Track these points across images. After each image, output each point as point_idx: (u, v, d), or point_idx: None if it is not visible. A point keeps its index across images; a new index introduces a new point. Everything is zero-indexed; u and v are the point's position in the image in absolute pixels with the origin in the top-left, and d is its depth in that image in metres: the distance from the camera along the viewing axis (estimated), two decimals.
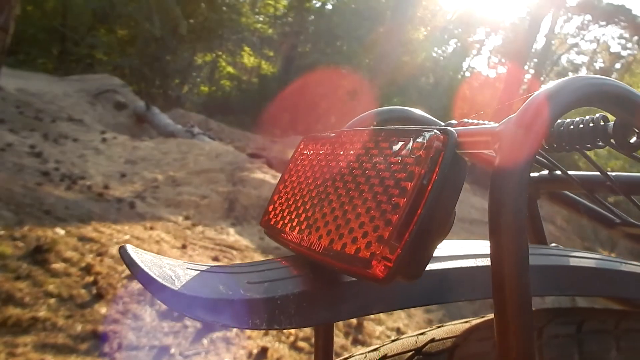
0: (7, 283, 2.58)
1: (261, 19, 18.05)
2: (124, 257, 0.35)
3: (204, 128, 9.34)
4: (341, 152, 0.43)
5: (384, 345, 0.48)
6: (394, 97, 19.02)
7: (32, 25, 12.59)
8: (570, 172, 0.60)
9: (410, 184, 0.34)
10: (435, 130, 0.34)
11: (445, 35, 22.14)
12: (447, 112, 19.94)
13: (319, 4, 18.19)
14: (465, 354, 0.46)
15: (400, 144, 0.36)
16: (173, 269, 0.37)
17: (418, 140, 0.35)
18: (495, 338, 0.37)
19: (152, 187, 5.38)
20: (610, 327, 0.50)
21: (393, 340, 0.49)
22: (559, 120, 0.42)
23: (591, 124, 0.41)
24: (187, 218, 4.79)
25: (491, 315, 0.50)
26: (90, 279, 2.91)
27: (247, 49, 16.33)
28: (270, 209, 0.49)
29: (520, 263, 0.34)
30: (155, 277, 0.35)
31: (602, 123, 0.41)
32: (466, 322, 0.50)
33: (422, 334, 0.48)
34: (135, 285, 3.02)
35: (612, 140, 0.40)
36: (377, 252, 0.33)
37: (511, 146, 0.33)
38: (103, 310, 2.64)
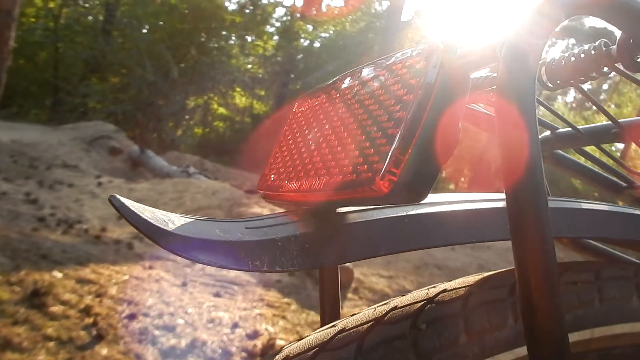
0: (5, 328, 2.52)
1: (251, 59, 18.32)
2: (114, 202, 0.34)
3: (199, 168, 9.35)
4: (337, 95, 0.42)
5: (393, 299, 0.46)
6: None
7: (24, 78, 12.73)
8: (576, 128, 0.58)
9: (411, 96, 0.32)
10: (433, 41, 0.33)
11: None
12: None
13: (306, 42, 18.52)
14: (480, 301, 0.44)
15: (398, 65, 0.35)
16: (166, 215, 0.35)
17: (416, 53, 0.33)
18: (517, 281, 0.35)
19: None
20: (630, 274, 0.48)
21: (403, 295, 0.46)
22: (559, 54, 0.41)
23: (593, 51, 0.40)
24: None
25: (503, 269, 0.48)
26: (89, 320, 2.85)
27: (238, 89, 16.51)
28: (266, 172, 0.47)
29: (538, 193, 0.33)
30: (148, 219, 0.33)
31: (604, 48, 0.39)
32: (477, 275, 0.48)
33: (433, 287, 0.46)
34: (136, 325, 2.97)
35: (617, 65, 0.38)
36: (381, 168, 0.31)
37: (515, 53, 0.32)
38: (104, 351, 2.57)
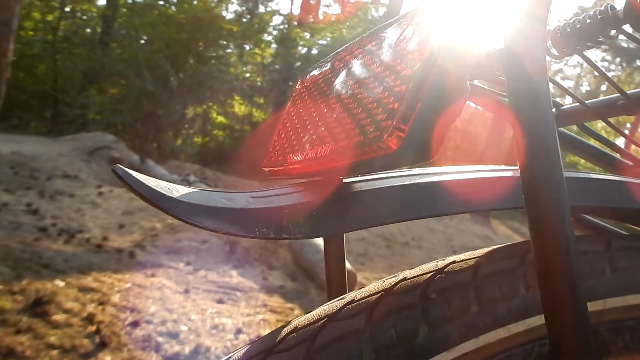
0: (7, 337, 2.52)
1: (249, 68, 18.36)
2: (118, 172, 0.33)
3: (199, 177, 9.35)
4: (340, 65, 0.41)
5: (402, 272, 0.45)
6: None
7: (23, 91, 12.76)
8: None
9: (416, 53, 0.32)
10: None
11: None
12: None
13: (304, 50, 18.56)
14: (490, 271, 0.43)
15: (404, 25, 0.34)
16: (170, 185, 0.35)
17: (418, 14, 0.33)
18: (533, 251, 0.34)
19: (151, 236, 5.33)
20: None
21: (411, 268, 0.46)
22: (565, 20, 0.41)
23: (599, 16, 0.39)
24: (188, 263, 4.73)
25: (511, 243, 0.48)
26: (92, 328, 2.84)
27: (237, 98, 16.54)
28: (270, 150, 0.47)
29: (553, 161, 0.32)
30: (152, 187, 0.33)
31: (610, 11, 0.39)
32: (486, 248, 0.48)
33: (442, 260, 0.46)
34: (140, 332, 2.96)
35: (624, 27, 0.38)
36: (389, 124, 0.31)
37: (520, 24, 0.32)
38: (107, 359, 2.57)
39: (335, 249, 0.57)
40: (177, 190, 0.34)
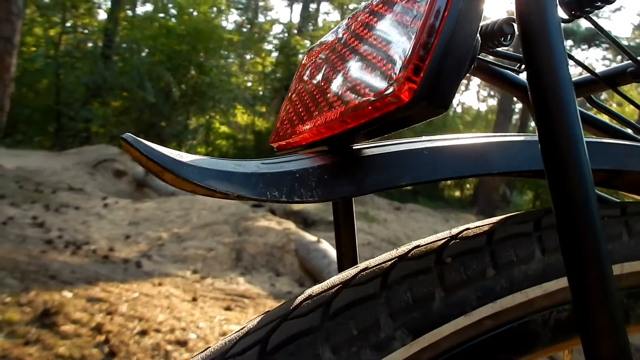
0: (17, 349, 2.51)
1: (251, 77, 18.45)
2: (127, 139, 0.33)
3: None
4: (345, 32, 0.41)
5: (415, 241, 0.45)
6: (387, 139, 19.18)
7: (27, 106, 12.83)
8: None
9: (425, 6, 0.31)
10: None
11: None
12: None
13: None
14: (505, 235, 0.43)
15: None
16: (179, 153, 0.34)
17: None
18: (555, 214, 0.34)
19: (158, 246, 5.34)
20: None
21: (423, 238, 0.45)
22: None
23: None
24: (195, 272, 4.73)
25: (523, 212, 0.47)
26: (101, 338, 2.83)
27: (239, 107, 16.60)
28: (278, 125, 0.47)
29: (573, 124, 0.32)
30: (161, 151, 0.32)
31: None
32: (499, 217, 0.47)
33: (455, 228, 0.45)
34: (148, 341, 2.95)
35: None
36: (400, 76, 0.31)
37: None
38: None
39: (344, 216, 0.56)
40: (187, 157, 0.33)
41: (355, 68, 0.38)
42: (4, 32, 6.09)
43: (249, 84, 18.82)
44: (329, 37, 0.45)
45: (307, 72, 0.46)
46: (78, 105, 13.15)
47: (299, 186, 0.35)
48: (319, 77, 0.42)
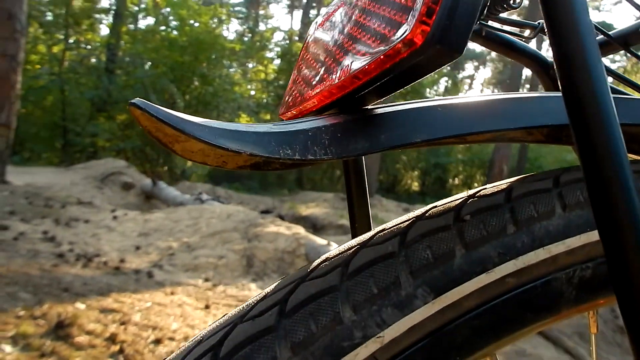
0: None
1: (254, 85, 18.50)
2: (137, 103, 0.32)
3: (211, 195, 9.37)
4: None
5: (431, 204, 0.44)
6: None
7: (34, 123, 12.92)
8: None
9: None
10: None
11: (435, 75, 22.58)
12: (448, 149, 20.08)
13: None
14: (524, 192, 0.42)
15: None
16: (190, 116, 0.34)
17: None
18: (584, 173, 0.33)
19: (168, 255, 5.34)
20: None
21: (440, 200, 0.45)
22: None
23: None
24: (206, 280, 4.73)
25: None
26: (116, 348, 2.83)
27: (243, 115, 16.64)
28: (286, 98, 0.46)
29: (598, 78, 0.32)
30: (173, 113, 0.32)
31: None
32: (515, 177, 0.46)
33: (471, 190, 0.44)
34: (163, 349, 2.95)
35: None
36: (412, 20, 0.30)
37: None
38: None
39: (355, 176, 0.56)
40: (197, 119, 0.33)
41: (365, 24, 0.37)
42: (9, 50, 6.14)
43: (253, 92, 18.88)
44: (335, 3, 0.45)
45: (315, 40, 0.45)
46: (84, 121, 13.24)
47: (312, 144, 0.34)
48: (328, 42, 0.42)
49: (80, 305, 3.35)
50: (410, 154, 19.48)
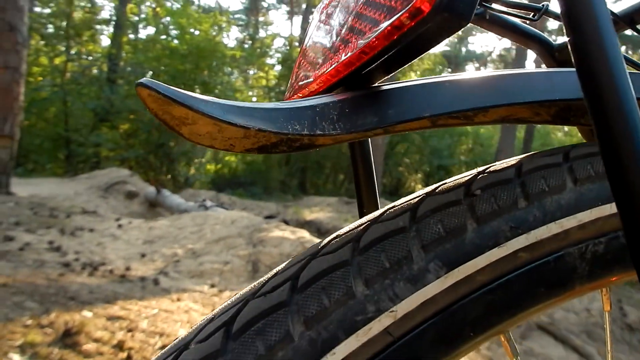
0: None
1: (255, 92, 18.54)
2: (145, 83, 0.32)
3: (215, 202, 9.38)
4: None
5: (440, 182, 0.44)
6: (397, 145, 19.19)
7: (37, 135, 12.97)
8: None
9: None
10: None
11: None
12: (452, 150, 20.07)
13: None
14: (534, 166, 0.42)
15: None
16: (197, 94, 0.34)
17: None
18: (599, 143, 0.33)
19: (174, 262, 5.34)
20: None
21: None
22: None
23: None
24: (212, 286, 4.73)
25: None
26: (123, 355, 2.83)
27: None
28: (292, 81, 0.46)
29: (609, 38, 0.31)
30: (180, 91, 0.32)
31: None
32: (525, 154, 0.46)
33: (480, 167, 0.44)
34: None
35: None
36: None
37: None
38: None
39: (363, 163, 0.56)
40: (205, 97, 0.33)
41: (371, 2, 0.37)
42: (11, 62, 6.17)
43: (254, 99, 18.91)
44: None
45: (319, 23, 0.45)
46: (87, 131, 13.28)
47: (320, 120, 0.34)
48: (333, 23, 0.42)
49: (87, 313, 3.34)
50: (413, 157, 19.48)
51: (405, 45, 0.35)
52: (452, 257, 0.38)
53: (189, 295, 4.31)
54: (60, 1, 15.64)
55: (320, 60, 0.42)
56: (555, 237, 0.39)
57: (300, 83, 0.44)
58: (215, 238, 6.01)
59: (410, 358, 0.35)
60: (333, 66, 0.39)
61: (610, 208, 0.40)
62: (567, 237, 0.40)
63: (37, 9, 15.69)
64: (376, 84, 0.40)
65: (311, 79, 0.42)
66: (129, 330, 3.18)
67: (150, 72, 14.72)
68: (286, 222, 6.88)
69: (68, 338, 2.93)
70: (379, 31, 0.34)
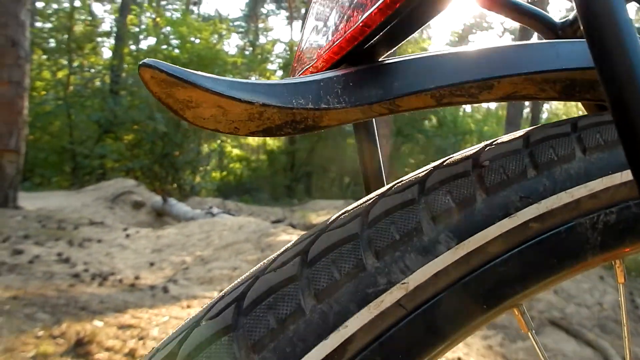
0: None
1: None
2: (148, 62, 0.32)
3: (222, 209, 9.40)
4: None
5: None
6: (402, 146, 19.18)
7: (42, 149, 13.05)
8: None
9: None
10: None
11: None
12: (456, 149, 20.02)
13: None
14: (542, 137, 0.41)
15: None
16: (202, 72, 0.34)
17: None
18: (612, 113, 0.32)
19: (182, 270, 5.35)
20: None
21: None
22: None
23: None
24: (221, 292, 4.74)
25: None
26: None
27: None
28: (295, 64, 0.46)
29: None
30: (183, 69, 0.32)
31: None
32: (532, 127, 0.46)
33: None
34: None
35: None
36: None
37: None
38: None
39: (368, 140, 0.55)
40: (209, 75, 0.33)
41: None
42: (14, 77, 6.21)
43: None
44: None
45: (319, 4, 0.45)
46: (91, 143, 13.35)
47: (324, 93, 0.34)
48: (333, 1, 0.42)
49: (98, 323, 3.35)
50: (417, 157, 19.45)
51: (407, 15, 0.35)
52: (463, 228, 0.37)
53: (199, 302, 4.31)
54: (60, 15, 15.77)
55: (322, 40, 0.41)
56: (566, 206, 0.39)
57: (303, 63, 0.44)
58: (223, 244, 6.01)
59: (423, 331, 0.35)
60: (336, 43, 0.39)
61: (621, 177, 0.40)
62: (578, 206, 0.39)
63: (38, 24, 15.81)
64: (380, 59, 0.40)
65: (314, 59, 0.42)
66: (140, 339, 3.19)
67: None
68: (293, 226, 6.88)
69: (80, 348, 2.94)
70: (380, 2, 0.34)
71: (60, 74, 14.98)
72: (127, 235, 6.65)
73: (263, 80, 0.34)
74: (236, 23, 26.69)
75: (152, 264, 5.49)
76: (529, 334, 0.42)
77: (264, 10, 28.72)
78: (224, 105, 0.34)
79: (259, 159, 17.63)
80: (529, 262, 0.38)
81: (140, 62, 0.33)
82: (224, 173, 16.62)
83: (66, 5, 16.78)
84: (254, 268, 0.39)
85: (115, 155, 13.01)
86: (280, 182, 15.86)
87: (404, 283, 0.35)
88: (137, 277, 4.93)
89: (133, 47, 17.98)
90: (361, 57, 0.40)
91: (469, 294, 0.36)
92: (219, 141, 16.00)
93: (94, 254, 5.67)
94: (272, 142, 17.88)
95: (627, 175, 0.40)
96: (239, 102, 0.31)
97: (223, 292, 0.39)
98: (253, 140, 17.93)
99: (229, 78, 0.33)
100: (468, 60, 0.39)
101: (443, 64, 0.38)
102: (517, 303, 0.39)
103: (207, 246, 6.08)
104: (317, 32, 0.43)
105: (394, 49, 0.39)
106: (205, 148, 15.54)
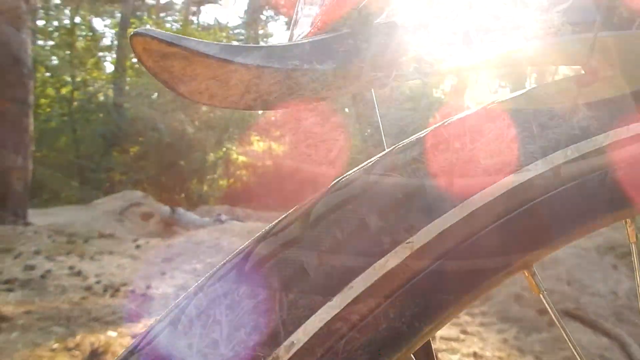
0: None
1: None
2: (139, 31, 0.31)
3: (230, 215, 9.42)
4: None
5: None
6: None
7: (49, 166, 13.12)
8: None
9: None
10: None
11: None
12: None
13: None
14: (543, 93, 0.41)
15: None
16: (193, 38, 0.33)
17: None
18: None
19: (194, 277, 5.36)
20: None
21: None
22: None
23: None
24: None
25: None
26: None
27: (254, 135, 16.73)
28: (292, 31, 0.45)
29: None
30: (178, 36, 0.31)
31: None
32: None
33: None
34: None
35: None
36: None
37: None
38: None
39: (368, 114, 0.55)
40: (204, 41, 0.33)
41: None
42: (18, 95, 6.26)
43: (260, 112, 18.98)
44: None
45: None
46: (98, 156, 13.43)
47: (320, 53, 0.33)
48: None
49: (112, 333, 3.36)
50: None
51: None
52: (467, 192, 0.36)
53: None
54: (62, 32, 15.89)
55: (317, 9, 0.41)
56: (572, 162, 0.38)
57: (303, 29, 0.43)
58: (233, 250, 6.02)
59: (431, 292, 0.34)
60: (328, 6, 0.38)
61: (627, 132, 0.39)
62: (585, 162, 0.39)
63: (40, 42, 15.96)
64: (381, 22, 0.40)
65: (311, 25, 0.41)
66: None
67: (156, 94, 14.87)
68: None
69: (95, 358, 2.95)
70: None
71: (63, 90, 15.09)
72: (137, 246, 6.67)
73: (258, 45, 0.33)
74: (236, 31, 26.80)
75: (163, 273, 5.51)
76: (540, 295, 0.41)
77: (262, 17, 28.82)
78: (219, 77, 0.33)
79: (265, 165, 17.64)
80: (537, 222, 0.37)
81: (132, 32, 0.32)
82: (231, 180, 16.64)
83: (67, 22, 16.92)
84: (256, 235, 0.38)
85: (122, 168, 13.08)
86: (287, 187, 15.86)
87: (409, 242, 0.34)
88: (148, 287, 4.94)
89: (135, 60, 18.08)
90: (362, 19, 0.39)
91: (476, 254, 0.35)
92: (224, 149, 16.03)
93: (105, 266, 5.69)
94: (277, 147, 17.87)
95: None
96: (233, 65, 0.30)
97: (226, 259, 0.39)
98: (258, 147, 17.93)
99: (223, 44, 0.33)
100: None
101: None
102: (527, 264, 0.38)
103: (217, 253, 6.09)
104: (312, 3, 0.43)
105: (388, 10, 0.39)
106: (211, 157, 15.58)
